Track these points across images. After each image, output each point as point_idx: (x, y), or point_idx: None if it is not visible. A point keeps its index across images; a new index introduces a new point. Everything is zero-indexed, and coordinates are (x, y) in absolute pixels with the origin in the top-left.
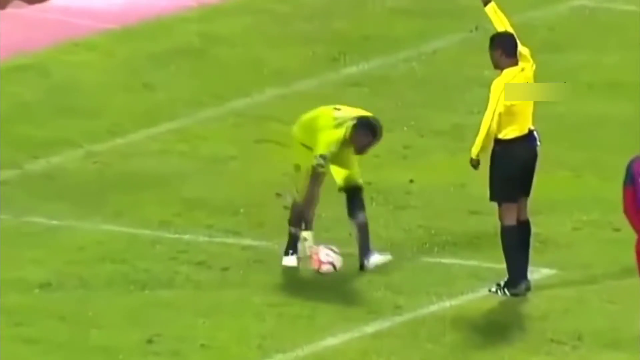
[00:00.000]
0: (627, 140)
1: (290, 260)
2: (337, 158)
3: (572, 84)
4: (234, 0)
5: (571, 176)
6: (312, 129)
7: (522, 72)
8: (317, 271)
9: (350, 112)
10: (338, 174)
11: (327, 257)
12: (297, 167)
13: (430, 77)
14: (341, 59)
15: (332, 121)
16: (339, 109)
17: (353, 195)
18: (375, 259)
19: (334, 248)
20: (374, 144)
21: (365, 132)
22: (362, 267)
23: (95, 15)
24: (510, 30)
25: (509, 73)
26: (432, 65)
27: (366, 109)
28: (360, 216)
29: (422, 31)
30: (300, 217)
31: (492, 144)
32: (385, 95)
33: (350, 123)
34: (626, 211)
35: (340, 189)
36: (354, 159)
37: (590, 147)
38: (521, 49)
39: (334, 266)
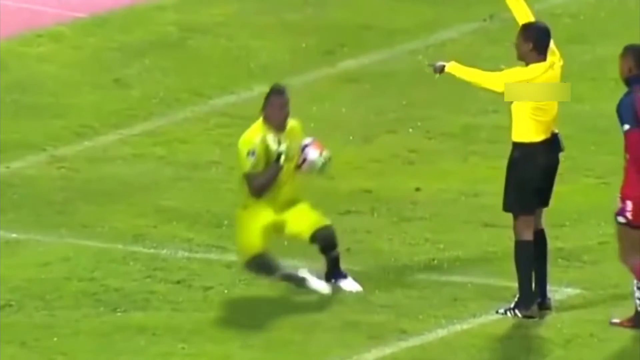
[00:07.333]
0: None
1: (322, 285)
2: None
3: (598, 80)
4: None
5: (597, 184)
6: None
7: (551, 68)
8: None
9: None
10: (298, 224)
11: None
12: None
13: None
14: (337, 51)
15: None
16: None
17: (327, 238)
18: (349, 284)
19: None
20: (278, 101)
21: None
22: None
23: (61, 2)
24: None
25: (537, 68)
26: (441, 58)
27: (366, 109)
28: (336, 250)
29: (429, 20)
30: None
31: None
32: (388, 92)
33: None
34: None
35: (312, 239)
36: (306, 207)
37: (618, 151)
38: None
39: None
